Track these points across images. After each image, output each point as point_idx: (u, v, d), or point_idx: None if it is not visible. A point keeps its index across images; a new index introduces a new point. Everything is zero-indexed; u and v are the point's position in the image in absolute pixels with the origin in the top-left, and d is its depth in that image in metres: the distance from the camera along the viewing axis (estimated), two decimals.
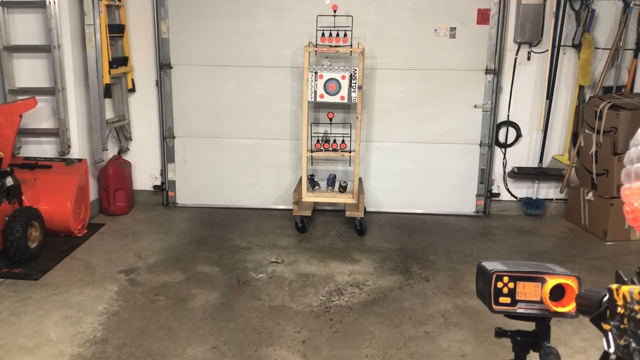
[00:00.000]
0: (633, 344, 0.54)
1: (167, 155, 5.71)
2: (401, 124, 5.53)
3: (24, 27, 4.87)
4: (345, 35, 5.01)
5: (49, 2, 4.65)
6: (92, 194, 5.28)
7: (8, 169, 4.27)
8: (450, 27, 5.32)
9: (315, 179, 5.27)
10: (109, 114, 5.35)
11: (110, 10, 5.18)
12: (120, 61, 5.27)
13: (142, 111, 5.61)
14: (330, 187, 5.29)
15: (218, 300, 3.76)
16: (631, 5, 5.17)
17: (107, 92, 5.03)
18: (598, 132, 5.03)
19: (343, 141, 5.12)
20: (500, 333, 1.32)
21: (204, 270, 4.24)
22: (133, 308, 3.64)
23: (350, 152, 5.08)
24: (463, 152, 5.58)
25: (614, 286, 0.62)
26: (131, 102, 5.58)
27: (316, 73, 4.85)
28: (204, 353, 3.14)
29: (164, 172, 5.76)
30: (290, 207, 5.13)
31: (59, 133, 4.92)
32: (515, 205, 5.74)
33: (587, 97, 5.35)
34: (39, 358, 3.05)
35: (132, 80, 5.50)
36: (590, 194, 5.17)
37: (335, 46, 4.97)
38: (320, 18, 5.01)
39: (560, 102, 5.49)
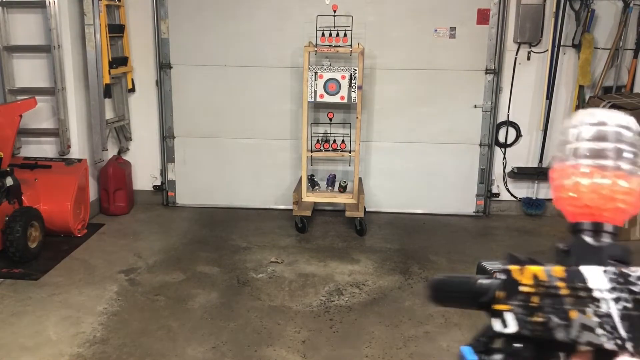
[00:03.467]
0: (555, 319, 0.56)
1: (167, 155, 5.71)
2: (401, 124, 5.53)
3: (24, 27, 4.87)
4: (345, 35, 5.00)
5: (49, 2, 4.65)
6: (92, 194, 5.27)
7: (8, 169, 4.27)
8: (450, 27, 5.32)
9: (315, 179, 5.26)
10: (109, 114, 5.34)
11: (110, 10, 5.17)
12: (120, 61, 5.27)
13: (142, 111, 5.61)
14: (330, 187, 5.28)
15: (218, 300, 3.76)
16: (631, 5, 5.16)
17: (107, 92, 5.03)
18: None
19: (343, 141, 5.12)
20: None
21: (203, 270, 4.23)
22: (133, 308, 3.64)
23: (350, 152, 5.07)
24: (463, 152, 5.58)
25: (513, 267, 0.63)
26: (131, 102, 5.58)
27: (316, 73, 4.85)
28: (203, 353, 3.14)
29: (163, 172, 5.76)
30: (290, 207, 5.13)
31: (58, 133, 4.92)
32: (515, 205, 5.74)
33: (587, 97, 5.35)
34: (39, 358, 3.05)
35: (132, 80, 5.50)
36: None
37: (335, 46, 4.97)
38: (320, 18, 5.00)
39: (560, 102, 5.48)
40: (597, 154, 0.61)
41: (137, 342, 3.23)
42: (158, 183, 5.80)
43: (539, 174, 5.54)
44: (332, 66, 4.97)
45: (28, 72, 4.94)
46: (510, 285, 0.62)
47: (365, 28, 5.24)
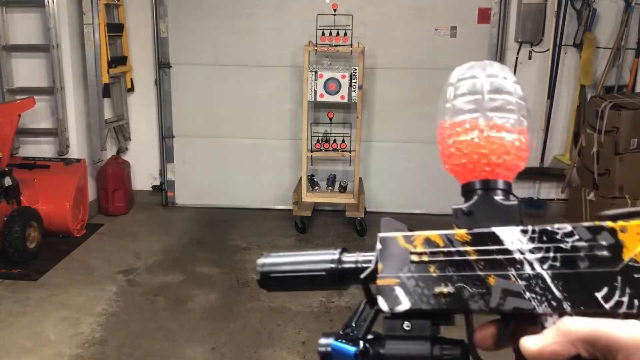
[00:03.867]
0: (469, 288, 0.50)
1: (166, 155, 5.69)
2: (401, 124, 5.50)
3: (23, 26, 4.85)
4: (345, 34, 4.98)
5: (48, 2, 4.63)
6: (91, 194, 5.25)
7: (6, 169, 4.25)
8: (451, 27, 5.30)
9: (315, 179, 5.24)
10: (108, 114, 5.32)
11: (109, 9, 5.15)
12: (119, 60, 5.25)
13: (141, 111, 5.59)
14: (330, 187, 5.26)
15: (217, 301, 3.74)
16: (633, 4, 5.15)
17: (106, 91, 5.01)
18: (599, 132, 5.01)
19: (343, 141, 5.10)
20: None
21: (203, 271, 4.21)
22: (132, 309, 3.62)
23: (350, 152, 5.05)
24: None
25: (397, 235, 0.54)
26: (130, 102, 5.56)
27: (316, 72, 4.83)
28: (203, 354, 3.12)
29: (163, 172, 5.73)
30: (290, 207, 5.11)
31: (57, 133, 4.90)
32: None
33: (588, 97, 5.33)
34: (38, 359, 3.03)
35: (131, 79, 5.48)
36: (592, 194, 5.15)
37: (335, 45, 4.95)
38: (320, 17, 4.98)
39: (562, 102, 5.46)
40: (502, 108, 0.57)
41: (136, 343, 3.21)
42: (157, 183, 5.78)
43: (540, 174, 5.52)
44: (332, 65, 4.95)
45: (27, 71, 4.92)
46: (396, 255, 0.54)
47: (365, 27, 5.22)
